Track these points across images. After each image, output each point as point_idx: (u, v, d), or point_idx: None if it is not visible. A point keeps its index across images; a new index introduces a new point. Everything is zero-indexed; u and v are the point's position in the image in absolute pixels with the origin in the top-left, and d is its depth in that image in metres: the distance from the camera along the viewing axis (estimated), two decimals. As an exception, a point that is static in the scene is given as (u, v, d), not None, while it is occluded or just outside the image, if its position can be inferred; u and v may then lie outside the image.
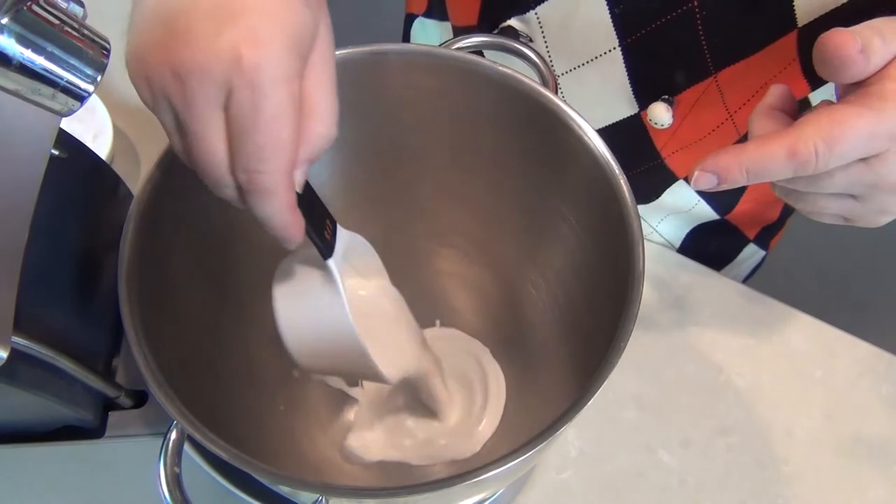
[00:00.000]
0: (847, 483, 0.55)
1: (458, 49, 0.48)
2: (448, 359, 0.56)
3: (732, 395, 0.58)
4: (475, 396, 0.54)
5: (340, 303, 0.40)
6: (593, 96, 0.57)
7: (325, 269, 0.39)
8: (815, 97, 0.56)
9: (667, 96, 0.55)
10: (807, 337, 0.60)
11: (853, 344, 0.60)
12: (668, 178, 0.63)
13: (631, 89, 0.55)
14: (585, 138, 0.44)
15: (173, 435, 0.37)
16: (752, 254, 0.76)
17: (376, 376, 0.43)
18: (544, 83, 0.47)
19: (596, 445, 0.56)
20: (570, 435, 0.56)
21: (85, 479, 0.48)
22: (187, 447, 0.38)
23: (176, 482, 0.36)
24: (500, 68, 0.45)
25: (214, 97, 0.29)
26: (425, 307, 0.51)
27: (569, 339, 0.49)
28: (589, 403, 0.36)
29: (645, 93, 0.56)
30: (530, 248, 0.52)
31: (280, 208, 0.32)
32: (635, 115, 0.57)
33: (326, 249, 0.38)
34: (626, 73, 0.55)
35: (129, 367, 0.45)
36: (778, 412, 0.57)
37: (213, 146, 0.30)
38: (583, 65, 0.56)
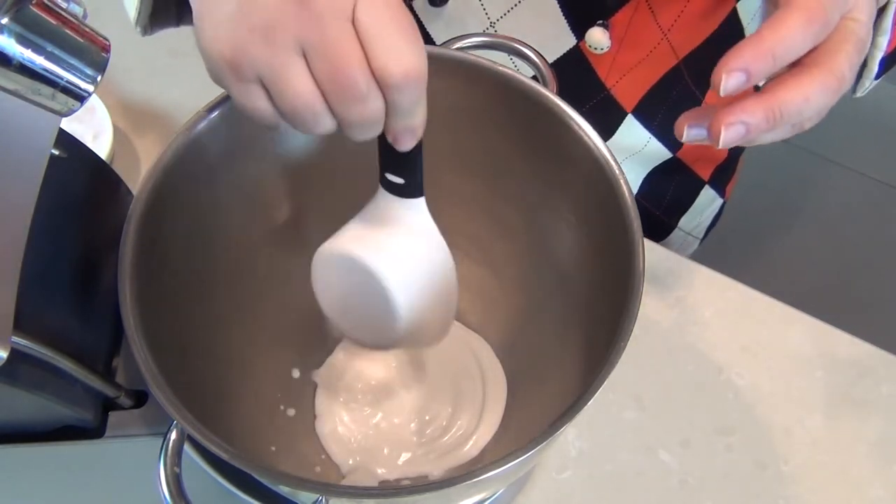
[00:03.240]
0: (847, 483, 0.55)
1: (458, 49, 0.48)
2: (447, 359, 0.56)
3: (732, 395, 0.58)
4: (473, 397, 0.54)
5: (438, 238, 0.41)
6: (532, 35, 0.59)
7: (409, 213, 0.40)
8: (742, 6, 0.59)
9: (601, 21, 0.58)
10: (807, 337, 0.60)
11: (853, 344, 0.60)
12: (617, 114, 0.65)
13: (565, 20, 0.58)
14: (585, 138, 0.44)
15: (173, 435, 0.37)
16: (710, 200, 0.78)
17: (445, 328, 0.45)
18: (544, 83, 0.47)
19: (596, 445, 0.56)
20: (570, 435, 0.56)
21: (85, 479, 0.48)
22: (187, 447, 0.38)
23: (176, 482, 0.36)
24: (500, 68, 0.45)
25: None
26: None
27: (569, 339, 0.49)
28: (589, 403, 0.36)
29: (579, 21, 0.58)
30: (530, 248, 0.52)
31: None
32: (575, 46, 0.60)
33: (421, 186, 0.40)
34: (557, 4, 0.58)
35: (129, 367, 0.45)
36: (778, 412, 0.57)
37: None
38: (515, 5, 0.58)
